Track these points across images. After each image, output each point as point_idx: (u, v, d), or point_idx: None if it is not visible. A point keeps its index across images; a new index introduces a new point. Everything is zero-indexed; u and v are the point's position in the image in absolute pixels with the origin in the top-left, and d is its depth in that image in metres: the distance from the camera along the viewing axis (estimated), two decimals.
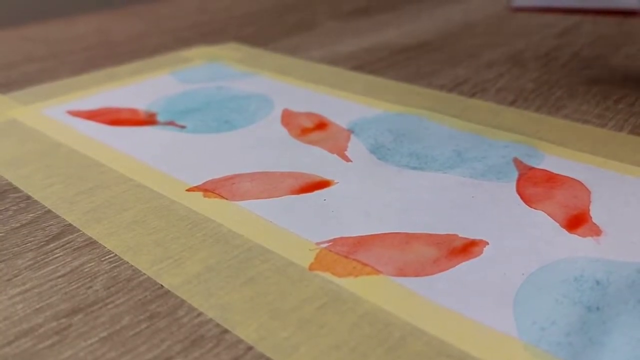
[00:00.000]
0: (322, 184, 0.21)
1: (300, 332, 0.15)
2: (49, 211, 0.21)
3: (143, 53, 0.38)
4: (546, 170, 0.22)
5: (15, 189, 0.22)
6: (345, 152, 0.24)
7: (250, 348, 0.14)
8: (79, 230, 0.19)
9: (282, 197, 0.21)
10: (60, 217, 0.20)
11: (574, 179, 0.21)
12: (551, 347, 0.14)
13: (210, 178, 0.22)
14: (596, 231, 0.18)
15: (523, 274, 0.16)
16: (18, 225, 0.20)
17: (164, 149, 0.25)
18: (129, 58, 0.37)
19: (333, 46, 0.39)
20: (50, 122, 0.27)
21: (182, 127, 0.26)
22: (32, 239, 0.19)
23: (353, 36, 0.41)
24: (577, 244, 0.18)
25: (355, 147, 0.24)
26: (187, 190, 0.21)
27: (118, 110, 0.29)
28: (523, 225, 0.19)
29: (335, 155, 0.23)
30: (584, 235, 0.18)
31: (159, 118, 0.28)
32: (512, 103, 0.28)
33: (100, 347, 0.15)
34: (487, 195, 0.20)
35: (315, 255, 0.18)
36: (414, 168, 0.22)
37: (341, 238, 0.18)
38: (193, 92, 0.31)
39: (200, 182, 0.22)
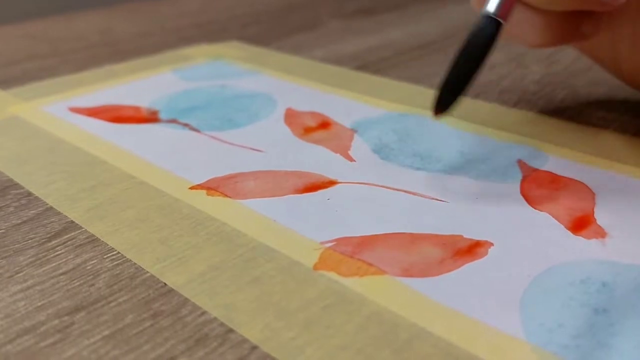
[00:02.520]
0: (326, 184, 0.21)
1: (306, 333, 0.15)
2: (51, 208, 0.20)
3: (145, 51, 0.38)
4: (550, 172, 0.22)
5: (17, 186, 0.22)
6: (349, 152, 0.24)
7: (255, 347, 0.14)
8: (81, 228, 0.19)
9: (286, 196, 0.21)
10: (62, 214, 0.20)
11: (578, 181, 0.21)
12: (559, 350, 0.14)
13: (213, 176, 0.22)
14: (601, 233, 0.18)
15: (529, 276, 0.16)
16: (19, 222, 0.20)
17: (166, 146, 0.24)
18: (130, 56, 0.37)
19: (336, 46, 0.39)
20: (51, 119, 0.27)
21: (185, 125, 0.26)
22: (34, 235, 0.19)
23: (356, 36, 0.41)
24: (582, 246, 0.18)
25: (359, 146, 0.24)
26: (190, 188, 0.21)
27: (120, 108, 0.28)
28: (528, 227, 0.19)
29: (338, 155, 0.23)
30: (589, 237, 0.18)
31: (162, 116, 0.27)
32: (515, 104, 0.28)
33: (104, 345, 0.15)
34: (491, 196, 0.20)
35: (319, 255, 0.17)
36: (418, 168, 0.22)
37: (345, 238, 0.18)
38: (195, 90, 0.30)
39: (203, 180, 0.22)
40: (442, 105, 0.20)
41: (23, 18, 0.47)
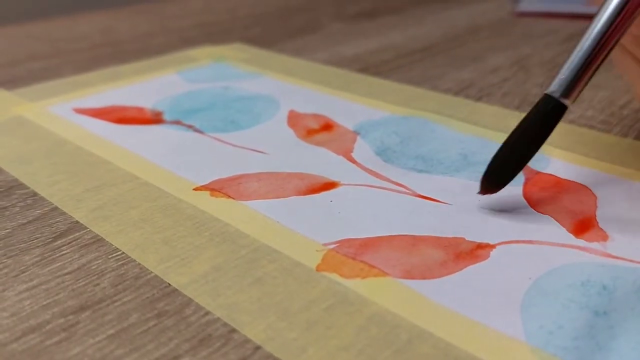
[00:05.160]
0: (329, 186, 0.21)
1: (308, 333, 0.15)
2: (56, 208, 0.21)
3: (148, 52, 0.38)
4: (552, 175, 0.22)
5: (22, 186, 0.22)
6: (352, 154, 0.24)
7: (258, 348, 0.14)
8: (86, 228, 0.19)
9: (289, 197, 0.21)
10: (67, 214, 0.20)
11: (580, 184, 0.21)
12: (558, 351, 0.14)
13: (216, 178, 0.22)
14: (602, 236, 0.18)
15: (530, 278, 0.16)
16: (25, 221, 0.20)
17: (170, 147, 0.25)
18: (134, 57, 0.37)
19: (338, 48, 0.39)
20: (56, 120, 0.27)
21: (189, 126, 0.27)
22: (39, 235, 0.19)
23: (358, 39, 0.41)
24: (583, 249, 0.18)
25: (362, 149, 0.24)
26: (194, 189, 0.21)
27: (124, 109, 0.29)
28: (530, 230, 0.19)
29: (341, 157, 0.24)
30: (590, 240, 0.18)
31: (166, 117, 0.28)
32: (517, 107, 0.28)
33: (108, 344, 0.15)
34: (493, 198, 0.20)
35: (322, 256, 0.18)
36: (420, 171, 0.22)
37: (348, 239, 0.18)
38: (199, 92, 0.31)
39: (206, 182, 0.22)
40: (489, 184, 0.19)
41: (25, 19, 0.47)
